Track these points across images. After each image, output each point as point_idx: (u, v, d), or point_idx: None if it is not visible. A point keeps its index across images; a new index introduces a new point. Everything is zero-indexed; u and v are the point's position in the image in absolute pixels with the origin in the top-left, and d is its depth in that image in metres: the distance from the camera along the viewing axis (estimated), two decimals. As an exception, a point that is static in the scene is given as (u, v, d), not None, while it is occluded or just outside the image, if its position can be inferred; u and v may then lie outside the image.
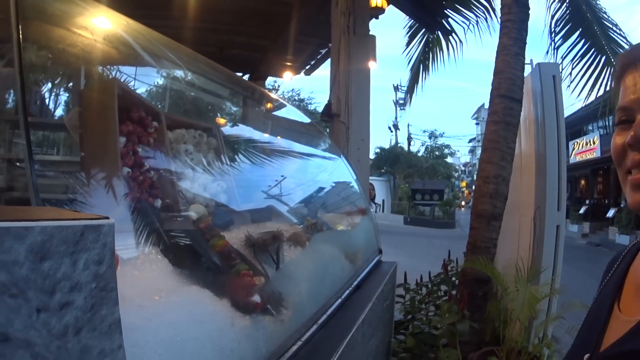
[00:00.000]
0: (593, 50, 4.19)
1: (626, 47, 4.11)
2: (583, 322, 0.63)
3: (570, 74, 4.21)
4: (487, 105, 3.23)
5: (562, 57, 4.30)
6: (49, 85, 1.38)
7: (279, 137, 2.22)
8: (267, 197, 1.66)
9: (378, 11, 4.17)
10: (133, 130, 1.09)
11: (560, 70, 3.77)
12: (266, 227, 1.44)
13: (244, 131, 2.04)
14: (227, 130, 1.82)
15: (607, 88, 4.09)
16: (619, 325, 0.52)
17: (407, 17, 5.26)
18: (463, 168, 44.27)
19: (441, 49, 5.33)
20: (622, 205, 13.59)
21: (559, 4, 4.32)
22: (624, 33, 4.28)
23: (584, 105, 5.58)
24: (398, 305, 2.92)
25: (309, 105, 19.11)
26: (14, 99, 1.18)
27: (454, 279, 3.22)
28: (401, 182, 27.87)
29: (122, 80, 1.15)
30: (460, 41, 5.07)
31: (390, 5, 4.44)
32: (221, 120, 1.92)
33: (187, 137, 1.39)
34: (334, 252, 1.85)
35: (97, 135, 1.02)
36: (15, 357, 0.36)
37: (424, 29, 5.34)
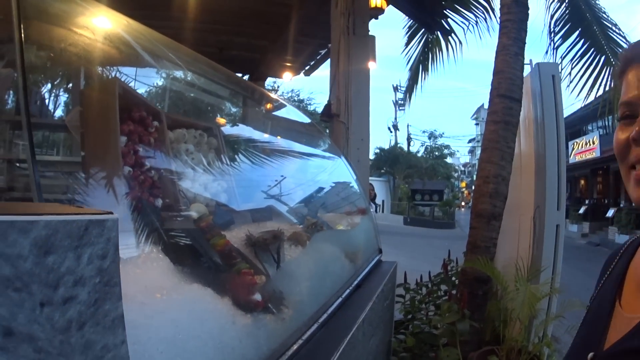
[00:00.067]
0: (592, 50, 4.20)
1: (626, 46, 4.11)
2: (583, 321, 0.62)
3: (570, 73, 4.22)
4: (486, 106, 3.23)
5: (561, 57, 4.31)
6: (50, 85, 1.38)
7: (279, 137, 2.23)
8: (267, 196, 1.66)
9: (377, 11, 4.18)
10: (134, 130, 1.10)
11: (560, 70, 3.77)
12: (266, 227, 1.45)
13: (244, 131, 2.04)
14: (228, 130, 1.82)
15: (607, 88, 4.10)
16: (622, 323, 0.51)
17: (407, 17, 5.27)
18: (463, 168, 44.29)
19: (440, 49, 5.33)
20: (621, 205, 13.61)
21: (558, 3, 4.33)
22: (623, 33, 4.29)
23: (583, 105, 5.59)
24: (398, 305, 2.93)
25: (309, 106, 19.14)
26: (15, 99, 1.18)
27: (454, 278, 3.22)
28: (401, 182, 27.87)
29: (123, 80, 1.15)
30: (460, 41, 5.08)
31: (390, 6, 4.44)
32: (221, 120, 1.92)
33: (188, 137, 1.39)
34: (334, 251, 1.85)
35: (98, 135, 1.03)
36: (18, 351, 0.36)
37: (423, 29, 5.35)
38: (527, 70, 3.20)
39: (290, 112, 2.83)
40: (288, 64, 6.91)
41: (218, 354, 0.86)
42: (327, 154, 2.71)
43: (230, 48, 6.30)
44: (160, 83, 1.58)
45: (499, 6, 3.22)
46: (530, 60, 4.53)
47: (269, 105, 2.55)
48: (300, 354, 1.13)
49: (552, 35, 4.33)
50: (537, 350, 2.44)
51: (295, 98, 19.44)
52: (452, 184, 36.36)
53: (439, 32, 5.21)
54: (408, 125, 30.31)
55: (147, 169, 1.11)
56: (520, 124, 3.05)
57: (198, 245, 1.10)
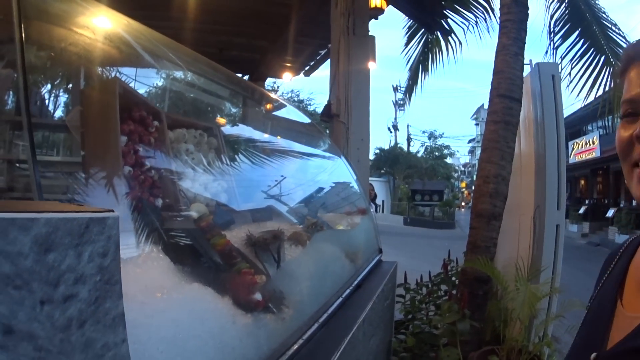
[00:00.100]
0: (592, 50, 4.20)
1: (626, 46, 4.11)
2: (583, 321, 0.61)
3: (570, 73, 4.22)
4: (486, 106, 3.23)
5: (561, 57, 4.32)
6: (50, 85, 1.38)
7: (279, 137, 2.23)
8: (267, 196, 1.66)
9: (377, 12, 4.18)
10: (134, 130, 1.10)
11: (560, 70, 3.77)
12: (267, 227, 1.45)
13: (245, 131, 2.04)
14: (228, 130, 1.82)
15: (607, 88, 4.10)
16: (624, 322, 0.51)
17: (407, 17, 5.27)
18: (462, 169, 44.30)
19: (440, 49, 5.33)
20: (621, 205, 13.61)
21: (558, 3, 4.33)
22: (623, 33, 4.29)
23: (583, 105, 5.60)
24: (398, 305, 2.92)
25: (309, 106, 19.13)
26: (15, 99, 1.18)
27: (454, 278, 3.22)
28: (401, 182, 27.86)
29: (123, 80, 1.15)
30: (460, 41, 5.08)
31: (390, 6, 4.44)
32: (221, 120, 1.92)
33: (188, 137, 1.39)
34: (335, 251, 1.85)
35: (98, 134, 1.03)
36: (18, 349, 0.36)
37: (423, 30, 5.35)
38: (527, 70, 3.20)
39: (290, 112, 2.83)
40: (288, 65, 6.91)
41: (218, 354, 0.86)
42: (327, 154, 2.71)
43: (230, 48, 6.30)
44: (160, 83, 1.58)
45: (498, 6, 3.22)
46: (530, 60, 4.55)
47: (269, 106, 2.55)
48: (301, 353, 1.13)
49: (552, 35, 4.33)
50: (538, 350, 2.44)
51: (295, 98, 19.45)
52: (452, 184, 36.36)
53: (438, 32, 5.21)
54: (408, 126, 30.35)
55: (147, 168, 1.10)
56: (520, 124, 3.05)
57: (198, 245, 1.10)
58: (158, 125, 1.20)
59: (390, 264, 2.47)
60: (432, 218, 21.57)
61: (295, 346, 1.12)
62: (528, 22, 3.06)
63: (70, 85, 1.39)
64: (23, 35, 0.75)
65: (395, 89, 27.42)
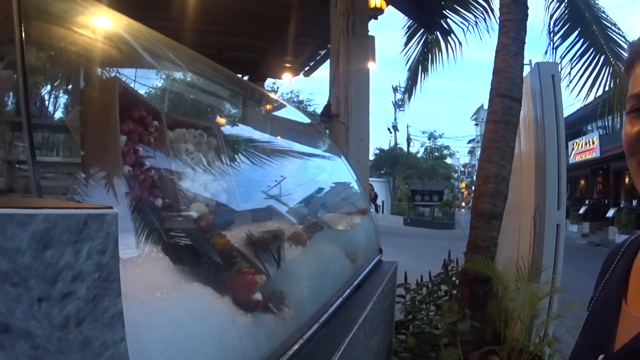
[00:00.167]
0: (592, 49, 4.20)
1: (625, 46, 4.12)
2: (586, 322, 0.60)
3: (570, 73, 4.23)
4: (486, 106, 3.23)
5: (561, 57, 4.32)
6: (50, 85, 1.38)
7: (279, 138, 2.23)
8: (267, 196, 1.66)
9: (377, 12, 4.17)
10: (134, 129, 1.09)
11: (559, 69, 3.77)
12: (267, 227, 1.44)
13: (244, 131, 2.04)
14: (228, 130, 1.82)
15: (607, 88, 4.10)
16: (631, 323, 0.50)
17: (406, 17, 5.27)
18: (462, 169, 44.30)
19: (440, 49, 5.33)
20: (621, 205, 13.61)
21: (558, 3, 4.33)
22: (623, 32, 4.29)
23: (583, 105, 5.60)
24: (399, 305, 2.92)
25: (309, 107, 19.12)
26: (15, 100, 1.18)
27: (454, 278, 3.22)
28: (401, 183, 27.86)
29: (123, 79, 1.15)
30: (459, 42, 5.08)
31: (390, 6, 4.44)
32: (221, 120, 1.92)
33: (188, 137, 1.39)
34: (335, 251, 1.85)
35: (98, 134, 1.02)
36: (15, 348, 0.36)
37: (422, 30, 5.35)
38: (527, 70, 3.20)
39: (290, 113, 2.83)
40: (288, 65, 6.91)
41: (218, 354, 0.86)
42: (327, 154, 2.71)
43: (230, 49, 6.30)
44: (160, 83, 1.58)
45: (498, 6, 3.22)
46: (530, 60, 4.54)
47: (268, 106, 2.55)
48: (301, 353, 1.12)
49: (552, 35, 4.33)
50: (538, 350, 2.44)
51: (295, 99, 19.45)
52: (452, 185, 36.34)
53: (438, 33, 5.21)
54: (408, 126, 30.40)
55: (147, 168, 1.10)
56: (520, 123, 3.05)
57: (198, 245, 1.10)
58: (158, 125, 1.20)
59: (391, 264, 2.47)
60: (432, 218, 21.57)
61: (296, 346, 1.12)
62: (528, 22, 3.07)
63: (70, 85, 1.39)
64: (23, 35, 0.75)
65: (395, 90, 27.44)
